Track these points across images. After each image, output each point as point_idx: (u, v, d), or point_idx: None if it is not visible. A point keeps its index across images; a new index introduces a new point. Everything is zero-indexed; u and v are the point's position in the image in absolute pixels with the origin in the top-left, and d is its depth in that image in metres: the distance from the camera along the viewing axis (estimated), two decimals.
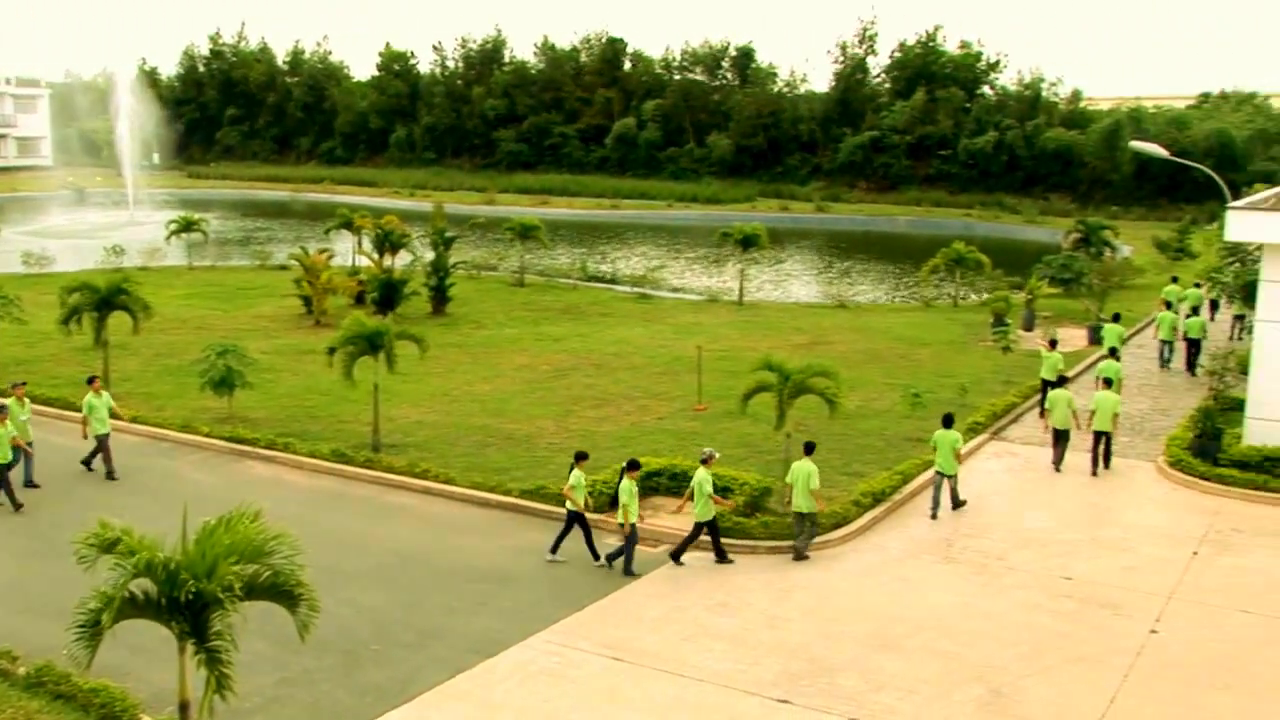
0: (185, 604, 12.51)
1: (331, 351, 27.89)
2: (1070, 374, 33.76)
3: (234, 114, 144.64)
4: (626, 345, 40.94)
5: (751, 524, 22.16)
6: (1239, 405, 27.71)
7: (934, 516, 23.88)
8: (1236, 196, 32.05)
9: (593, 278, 60.96)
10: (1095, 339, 40.26)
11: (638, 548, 21.03)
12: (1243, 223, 26.57)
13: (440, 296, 47.69)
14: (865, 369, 36.64)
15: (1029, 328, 43.48)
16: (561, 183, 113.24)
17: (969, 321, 45.88)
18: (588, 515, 21.50)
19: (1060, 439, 27.20)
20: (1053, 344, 32.63)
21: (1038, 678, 16.92)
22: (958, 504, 24.30)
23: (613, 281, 60.03)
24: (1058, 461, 27.25)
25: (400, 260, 51.66)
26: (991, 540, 22.46)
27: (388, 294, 44.62)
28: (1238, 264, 36.12)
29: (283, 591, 13.21)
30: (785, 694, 16.38)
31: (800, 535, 21.65)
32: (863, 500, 23.55)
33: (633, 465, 21.23)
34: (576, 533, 21.29)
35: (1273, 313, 26.06)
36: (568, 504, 21.32)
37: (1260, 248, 27.39)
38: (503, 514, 23.81)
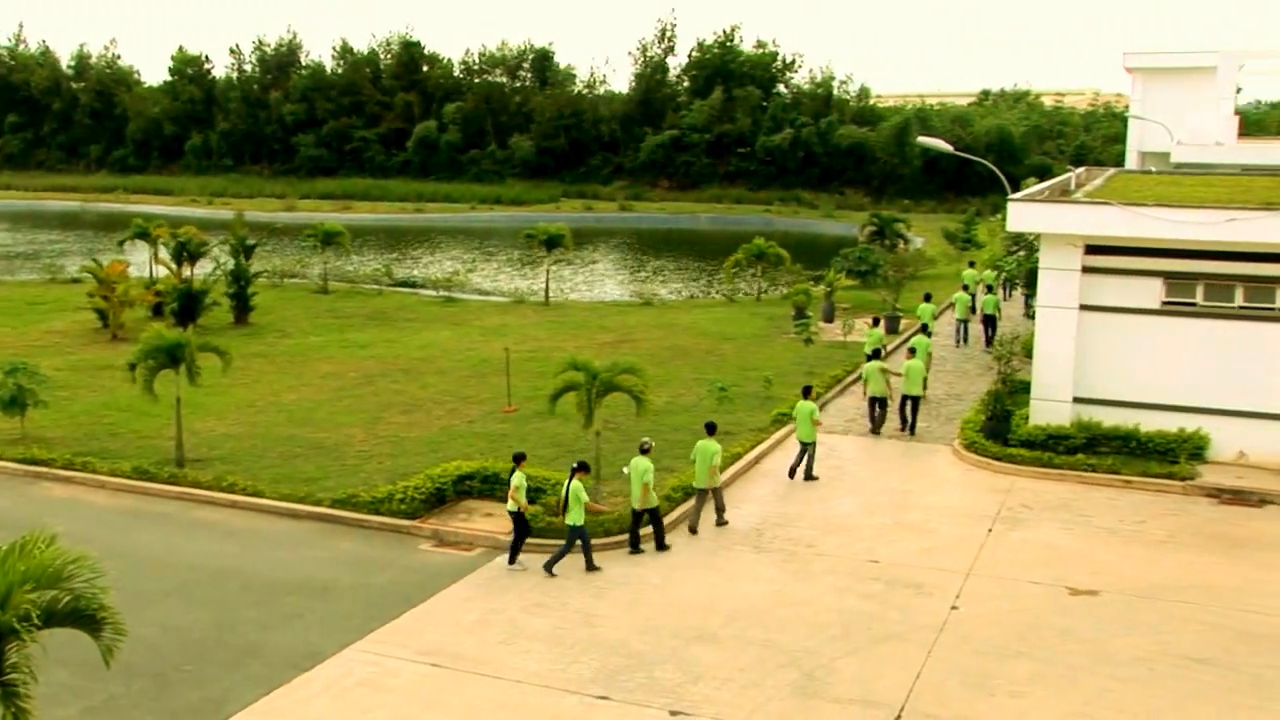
0: None
1: (132, 367, 27.07)
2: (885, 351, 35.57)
3: (15, 121, 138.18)
4: (434, 349, 40.69)
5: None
6: (1025, 387, 29.06)
7: (808, 478, 25.79)
8: (1016, 188, 33.58)
9: (399, 282, 60.36)
10: (893, 328, 41.84)
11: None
12: (1022, 214, 27.89)
13: (242, 306, 46.65)
14: (672, 365, 37.21)
15: (829, 319, 44.76)
16: (364, 187, 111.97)
17: (772, 315, 47.03)
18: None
19: (877, 406, 29.34)
20: (875, 321, 36.50)
21: (848, 659, 17.49)
22: (808, 474, 25.80)
23: (419, 286, 59.52)
24: (877, 428, 29.37)
25: (200, 270, 50.39)
26: (801, 528, 23.08)
27: (187, 305, 43.40)
28: (1022, 252, 37.87)
29: (85, 617, 12.81)
30: (604, 690, 16.58)
31: (698, 511, 22.79)
32: (674, 495, 23.72)
33: (582, 467, 21.25)
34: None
35: (1051, 298, 27.48)
36: (509, 504, 21.08)
37: (1039, 237, 28.80)
38: (314, 524, 23.44)
